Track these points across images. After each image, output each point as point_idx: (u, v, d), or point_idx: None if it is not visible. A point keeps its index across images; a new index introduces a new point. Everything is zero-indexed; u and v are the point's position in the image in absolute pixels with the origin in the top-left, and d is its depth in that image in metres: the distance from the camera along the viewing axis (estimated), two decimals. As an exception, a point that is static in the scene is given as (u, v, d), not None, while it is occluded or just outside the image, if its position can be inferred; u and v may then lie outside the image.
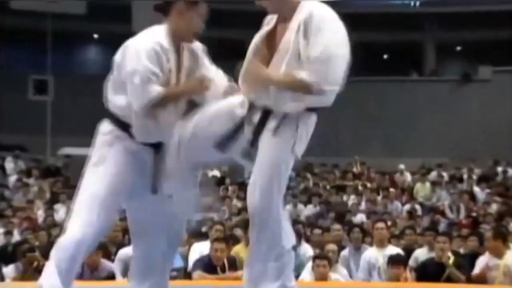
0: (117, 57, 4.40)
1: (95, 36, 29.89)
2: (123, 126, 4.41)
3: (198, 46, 4.50)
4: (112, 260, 9.28)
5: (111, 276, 8.67)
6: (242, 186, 20.31)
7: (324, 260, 8.50)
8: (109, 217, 4.44)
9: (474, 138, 25.34)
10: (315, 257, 8.73)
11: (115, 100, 4.51)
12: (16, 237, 13.33)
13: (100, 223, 4.30)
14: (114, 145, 4.43)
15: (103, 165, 4.41)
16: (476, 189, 20.45)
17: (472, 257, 9.47)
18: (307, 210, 16.85)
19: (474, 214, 17.35)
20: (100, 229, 4.34)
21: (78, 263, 4.34)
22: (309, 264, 8.85)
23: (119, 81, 4.40)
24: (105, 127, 4.56)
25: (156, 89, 4.21)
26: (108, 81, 4.55)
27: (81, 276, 8.49)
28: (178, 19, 4.39)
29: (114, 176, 4.35)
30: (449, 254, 8.84)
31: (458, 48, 29.93)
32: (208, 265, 8.81)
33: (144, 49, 4.25)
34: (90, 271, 8.58)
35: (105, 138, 4.51)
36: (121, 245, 10.19)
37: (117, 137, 4.43)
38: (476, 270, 8.93)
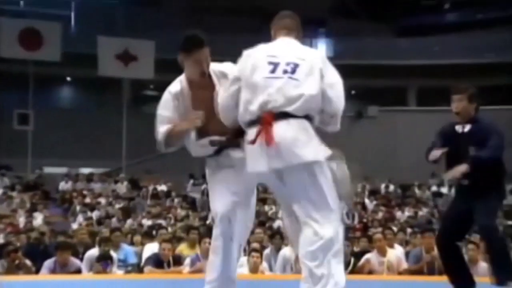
0: None
1: (68, 78, 29.47)
2: None
3: (217, 70, 4.28)
4: (80, 259, 9.13)
5: (78, 271, 8.54)
6: (185, 198, 20.21)
7: (258, 253, 8.68)
8: None
9: (366, 162, 25.66)
10: (251, 251, 8.74)
11: None
12: (1, 239, 13.01)
13: None
14: None
15: None
16: (367, 200, 20.74)
17: (363, 254, 9.61)
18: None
19: (365, 220, 17.55)
20: None
21: None
22: (241, 259, 8.88)
23: None
24: None
25: (161, 130, 4.19)
26: None
27: (54, 271, 8.33)
28: (184, 67, 4.26)
29: None
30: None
31: (353, 91, 30.38)
32: (157, 261, 8.72)
33: (162, 98, 4.27)
34: (60, 267, 8.42)
35: None
36: (88, 246, 10.05)
37: None
38: (360, 262, 9.12)
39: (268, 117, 3.70)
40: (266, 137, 3.68)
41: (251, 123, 3.80)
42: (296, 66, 3.83)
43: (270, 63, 3.85)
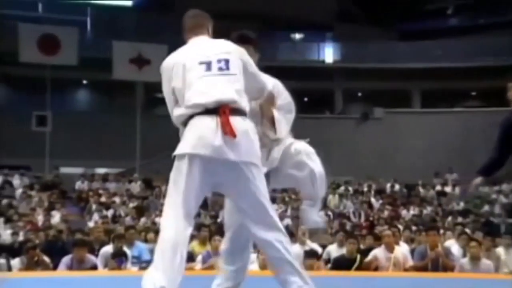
0: None
1: (84, 82, 29.59)
2: None
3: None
4: (96, 255, 9.15)
5: (94, 267, 8.56)
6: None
7: None
8: None
9: (372, 161, 25.62)
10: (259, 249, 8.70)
11: None
12: (21, 236, 13.08)
13: None
14: None
15: None
16: (373, 200, 20.69)
17: (369, 251, 9.58)
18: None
19: (371, 219, 17.53)
20: None
21: None
22: (251, 256, 8.85)
23: None
24: None
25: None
26: None
27: (71, 267, 8.36)
28: None
29: None
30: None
31: (359, 94, 30.34)
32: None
33: None
34: (77, 263, 8.44)
35: None
36: (103, 243, 10.08)
37: None
38: (368, 258, 9.08)
39: (226, 110, 3.53)
40: (227, 128, 3.50)
41: (201, 113, 3.57)
42: (227, 62, 3.70)
43: (202, 62, 3.68)
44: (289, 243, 3.78)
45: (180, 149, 3.59)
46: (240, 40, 4.06)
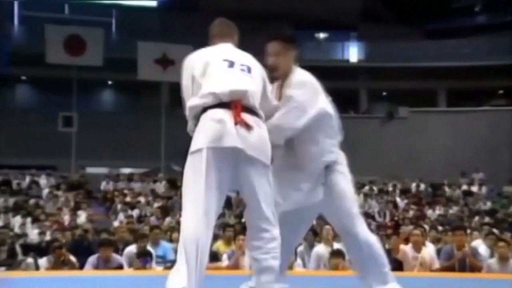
0: None
1: (109, 82, 29.81)
2: None
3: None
4: (120, 255, 9.20)
5: (120, 267, 8.60)
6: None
7: None
8: None
9: (395, 161, 25.48)
10: None
11: None
12: (48, 236, 13.19)
13: None
14: None
15: None
16: (398, 199, 20.55)
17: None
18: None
19: (396, 218, 17.40)
20: None
21: None
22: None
23: None
24: None
25: None
26: None
27: (97, 267, 8.41)
28: None
29: None
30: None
31: (384, 93, 30.17)
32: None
33: None
34: (103, 263, 8.48)
35: None
36: (127, 243, 10.12)
37: None
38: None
39: (238, 105, 3.53)
40: (239, 119, 3.50)
41: (213, 106, 3.55)
42: (249, 68, 3.73)
43: (225, 60, 3.70)
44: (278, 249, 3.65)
45: (196, 144, 3.53)
46: (287, 40, 4.11)
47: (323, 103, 4.10)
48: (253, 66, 3.77)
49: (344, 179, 4.14)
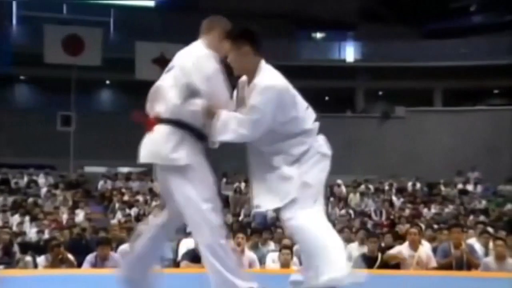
0: None
1: (107, 82, 29.78)
2: None
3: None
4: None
5: (118, 265, 8.57)
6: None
7: (288, 250, 8.46)
8: None
9: (392, 160, 25.47)
10: (282, 247, 8.66)
11: None
12: (46, 234, 13.18)
13: None
14: None
15: None
16: (394, 198, 20.57)
17: (389, 249, 9.51)
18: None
19: (392, 217, 17.42)
20: None
21: None
22: (273, 254, 8.88)
23: None
24: None
25: None
26: None
27: (95, 265, 8.39)
28: None
29: None
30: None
31: (380, 93, 30.15)
32: (194, 256, 8.71)
33: None
34: (101, 261, 8.46)
35: None
36: (121, 241, 10.06)
37: None
38: (391, 251, 9.02)
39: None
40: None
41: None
42: (173, 67, 3.93)
43: (169, 67, 3.99)
44: None
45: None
46: (234, 37, 3.89)
47: (286, 109, 3.87)
48: (177, 64, 3.93)
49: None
